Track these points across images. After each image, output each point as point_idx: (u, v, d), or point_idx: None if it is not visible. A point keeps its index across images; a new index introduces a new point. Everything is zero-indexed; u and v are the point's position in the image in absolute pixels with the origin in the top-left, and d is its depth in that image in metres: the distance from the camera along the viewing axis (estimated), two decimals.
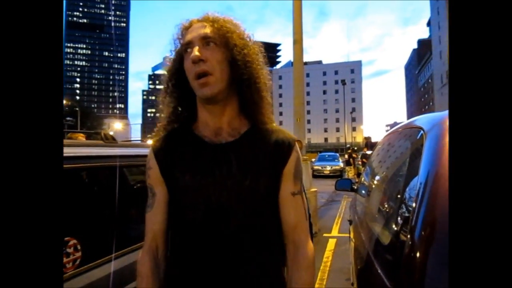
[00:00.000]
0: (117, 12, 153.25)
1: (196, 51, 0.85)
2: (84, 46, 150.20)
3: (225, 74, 0.88)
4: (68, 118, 32.96)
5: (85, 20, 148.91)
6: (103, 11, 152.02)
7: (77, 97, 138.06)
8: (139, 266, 0.91)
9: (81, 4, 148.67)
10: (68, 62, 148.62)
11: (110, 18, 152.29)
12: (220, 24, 0.89)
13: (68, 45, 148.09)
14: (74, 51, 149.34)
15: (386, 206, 1.55)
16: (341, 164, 19.65)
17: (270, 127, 0.97)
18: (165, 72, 0.97)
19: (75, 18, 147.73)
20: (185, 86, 0.91)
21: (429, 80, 74.72)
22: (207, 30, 0.87)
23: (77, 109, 43.80)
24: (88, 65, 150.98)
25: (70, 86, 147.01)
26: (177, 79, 0.93)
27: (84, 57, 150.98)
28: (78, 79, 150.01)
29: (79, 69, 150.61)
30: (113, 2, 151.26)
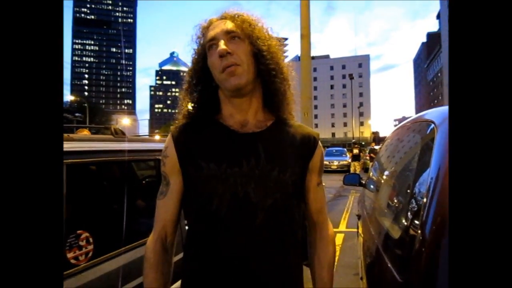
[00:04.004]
0: (124, 8, 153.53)
1: (222, 45, 0.85)
2: (92, 42, 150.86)
3: (252, 66, 0.88)
4: (77, 114, 33.25)
5: (92, 17, 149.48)
6: (110, 7, 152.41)
7: (86, 93, 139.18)
8: (148, 253, 0.90)
9: (88, 0, 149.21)
10: (76, 58, 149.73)
11: (117, 14, 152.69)
12: (241, 19, 0.90)
13: (76, 41, 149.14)
14: (82, 48, 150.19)
15: (395, 200, 1.54)
16: (349, 159, 19.56)
17: (293, 122, 0.99)
18: (189, 71, 0.97)
19: (82, 15, 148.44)
20: (208, 83, 0.93)
21: (439, 74, 73.67)
22: (230, 25, 0.88)
23: (85, 105, 44.17)
24: (96, 61, 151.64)
25: (78, 82, 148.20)
26: (200, 77, 0.94)
27: (92, 53, 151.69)
28: (86, 75, 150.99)
29: (87, 65, 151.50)
30: None
